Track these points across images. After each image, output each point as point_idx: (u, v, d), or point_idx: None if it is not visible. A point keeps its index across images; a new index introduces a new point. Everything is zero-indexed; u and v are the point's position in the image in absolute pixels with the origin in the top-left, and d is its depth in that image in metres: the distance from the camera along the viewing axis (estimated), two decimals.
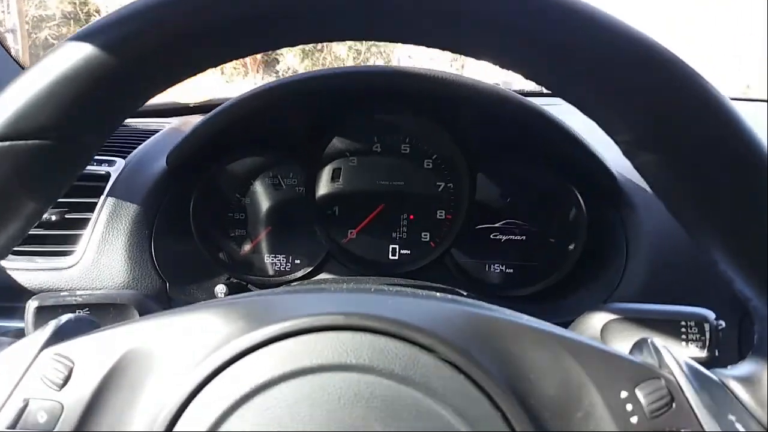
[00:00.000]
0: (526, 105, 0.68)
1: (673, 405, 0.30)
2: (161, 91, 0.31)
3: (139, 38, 0.28)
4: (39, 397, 0.31)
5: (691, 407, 0.30)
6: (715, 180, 0.29)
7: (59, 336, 0.34)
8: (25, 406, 0.31)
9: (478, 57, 0.30)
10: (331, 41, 0.32)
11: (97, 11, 8.09)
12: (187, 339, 0.33)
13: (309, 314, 0.31)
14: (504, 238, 0.79)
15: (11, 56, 0.88)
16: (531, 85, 1.17)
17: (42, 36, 7.75)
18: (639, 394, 0.30)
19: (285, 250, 0.81)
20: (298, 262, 0.81)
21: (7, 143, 0.28)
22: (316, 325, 0.30)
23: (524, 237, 0.79)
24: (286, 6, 0.28)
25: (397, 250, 0.81)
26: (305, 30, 0.30)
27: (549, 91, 0.94)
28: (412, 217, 0.81)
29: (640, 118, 0.29)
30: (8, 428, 0.31)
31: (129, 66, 0.28)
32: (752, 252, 0.30)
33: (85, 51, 0.28)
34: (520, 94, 0.69)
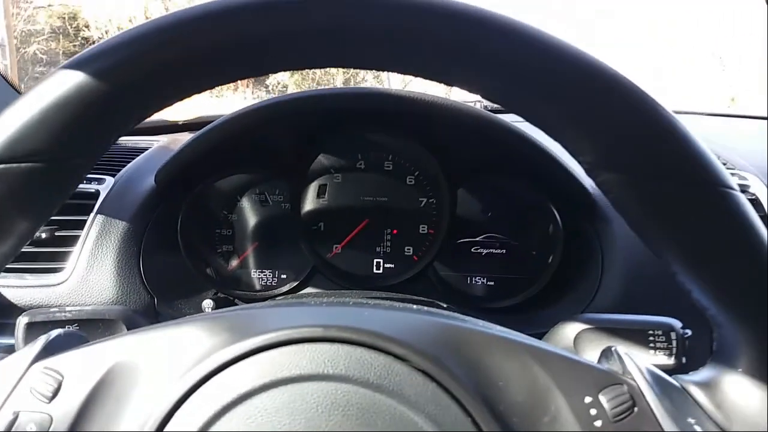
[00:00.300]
0: (505, 125, 0.70)
1: (635, 409, 0.31)
2: (149, 116, 0.33)
3: (127, 67, 0.29)
4: (29, 410, 0.32)
5: (652, 411, 0.31)
6: (669, 197, 0.30)
7: (49, 351, 0.35)
8: (15, 418, 0.32)
9: (446, 83, 0.32)
10: (313, 68, 0.34)
11: (87, 26, 8.07)
12: (172, 352, 0.34)
13: (289, 327, 0.32)
14: (485, 251, 0.81)
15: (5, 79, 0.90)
16: None
17: (31, 51, 7.71)
18: (602, 399, 0.31)
19: (271, 265, 0.83)
20: (284, 276, 0.83)
21: (2, 166, 0.29)
22: (296, 337, 0.32)
23: (504, 250, 0.81)
24: (262, 36, 0.29)
25: (381, 264, 0.83)
26: (287, 58, 0.31)
27: None
28: (395, 231, 0.83)
29: (598, 142, 0.31)
30: None
31: (118, 93, 0.30)
32: (706, 264, 0.31)
33: (75, 79, 0.29)
34: (499, 114, 0.72)
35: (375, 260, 0.83)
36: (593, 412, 0.31)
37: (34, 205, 0.32)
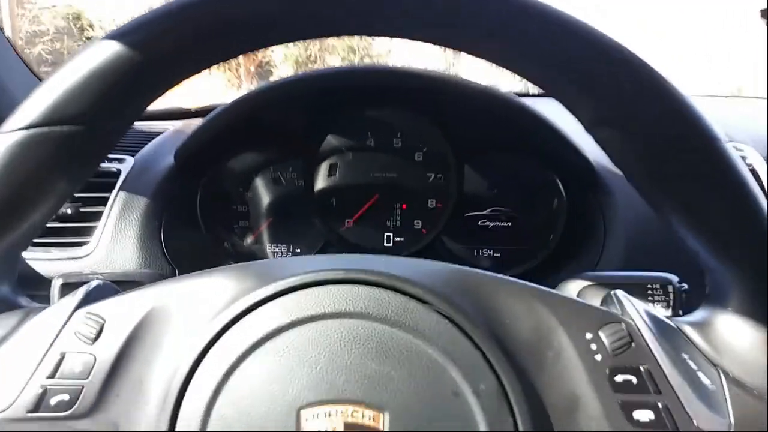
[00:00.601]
0: (510, 100, 0.73)
1: (633, 345, 0.33)
2: (175, 85, 0.35)
3: (156, 41, 0.32)
4: (74, 350, 0.35)
5: (648, 347, 0.33)
6: (663, 149, 0.32)
7: (90, 299, 0.37)
8: (62, 359, 0.34)
9: (466, 51, 0.34)
10: (323, 37, 0.35)
11: (91, 26, 8.11)
12: (206, 296, 0.36)
13: (312, 270, 0.35)
14: (491, 224, 0.84)
15: (27, 66, 0.93)
16: (515, 87, 1.22)
17: (36, 51, 7.75)
18: (602, 335, 0.34)
19: (286, 239, 0.86)
20: (298, 250, 0.86)
21: (46, 128, 0.32)
22: (319, 279, 0.34)
23: (510, 223, 0.83)
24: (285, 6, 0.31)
25: (392, 237, 0.86)
26: (307, 27, 0.33)
27: (532, 92, 1.00)
28: (405, 206, 0.85)
29: (596, 99, 0.33)
30: (48, 378, 0.34)
31: (147, 64, 0.32)
32: (698, 212, 0.33)
33: (111, 50, 0.31)
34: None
35: (385, 234, 0.86)
36: (593, 347, 0.33)
37: (74, 165, 0.35)
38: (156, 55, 0.32)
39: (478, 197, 0.84)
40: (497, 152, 0.83)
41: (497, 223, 0.84)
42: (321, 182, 0.85)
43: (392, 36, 0.34)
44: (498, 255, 0.84)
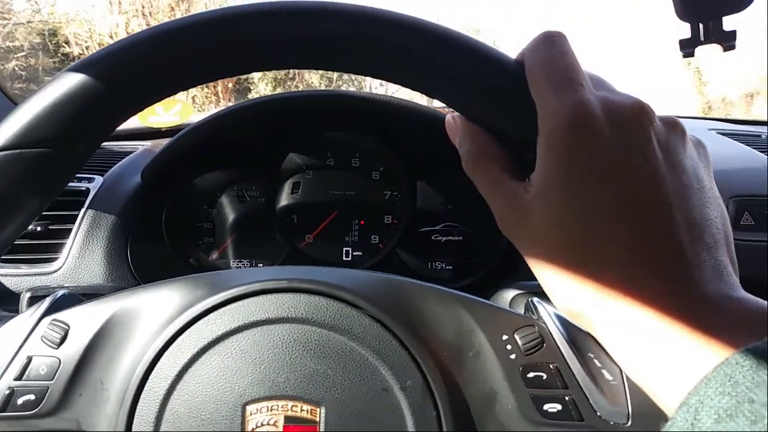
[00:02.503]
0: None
1: (544, 345, 0.37)
2: (142, 109, 0.37)
3: (123, 69, 0.33)
4: (40, 354, 0.37)
5: (558, 347, 0.37)
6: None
7: (55, 307, 0.40)
8: (29, 362, 0.37)
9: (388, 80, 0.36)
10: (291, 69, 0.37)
11: (66, 42, 8.02)
12: (162, 304, 0.39)
13: (258, 280, 0.38)
14: (444, 239, 0.89)
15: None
16: None
17: (10, 67, 7.62)
18: (516, 337, 0.37)
19: (249, 254, 0.89)
20: (260, 265, 0.89)
21: (17, 151, 0.34)
22: (264, 288, 0.38)
23: (461, 237, 0.88)
24: (248, 38, 0.33)
25: (350, 252, 0.90)
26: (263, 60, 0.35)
27: None
28: (362, 222, 0.90)
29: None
30: (15, 380, 0.37)
31: (114, 90, 0.34)
32: None
33: (79, 78, 0.33)
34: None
35: (344, 248, 0.90)
36: (509, 347, 0.37)
37: (43, 185, 0.37)
38: (121, 82, 0.34)
39: (432, 213, 0.89)
40: (448, 170, 0.87)
41: (449, 237, 0.88)
42: (283, 200, 0.89)
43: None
44: (450, 267, 0.89)
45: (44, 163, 0.35)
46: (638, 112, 0.29)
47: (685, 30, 0.49)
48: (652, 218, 0.27)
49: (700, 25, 0.48)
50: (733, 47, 0.48)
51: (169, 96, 0.37)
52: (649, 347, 0.26)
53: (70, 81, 0.33)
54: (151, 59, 0.33)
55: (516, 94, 0.31)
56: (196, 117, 1.06)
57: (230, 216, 0.90)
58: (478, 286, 0.84)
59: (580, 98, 0.28)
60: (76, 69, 0.34)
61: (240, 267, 0.89)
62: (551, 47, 0.31)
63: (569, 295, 0.29)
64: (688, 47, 0.49)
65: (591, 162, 0.28)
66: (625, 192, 0.27)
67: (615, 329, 0.28)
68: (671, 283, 0.26)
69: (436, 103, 1.01)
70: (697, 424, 0.21)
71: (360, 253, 0.90)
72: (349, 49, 0.32)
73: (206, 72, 0.35)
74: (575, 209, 0.28)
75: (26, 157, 0.34)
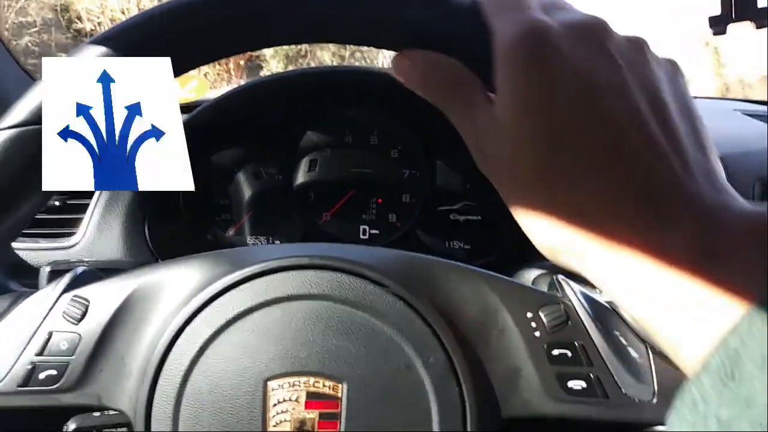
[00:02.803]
0: None
1: (569, 323, 0.37)
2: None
3: (144, 43, 0.33)
4: (61, 330, 0.38)
5: (583, 325, 0.37)
6: None
7: (76, 283, 0.40)
8: (50, 337, 0.38)
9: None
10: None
11: (79, 18, 8.00)
12: (183, 280, 0.39)
13: (280, 257, 0.38)
14: (462, 218, 0.88)
15: (16, 61, 0.95)
16: None
17: (23, 43, 7.65)
18: (541, 314, 0.37)
19: (265, 232, 0.89)
20: (277, 242, 0.89)
21: (38, 126, 0.34)
22: (286, 264, 0.38)
23: (480, 217, 0.87)
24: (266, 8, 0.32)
25: (367, 230, 0.89)
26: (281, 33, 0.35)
27: None
28: (380, 201, 0.89)
29: None
30: (36, 355, 0.37)
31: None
32: None
33: (101, 52, 0.33)
34: None
35: (361, 227, 0.89)
36: (533, 324, 0.37)
37: None
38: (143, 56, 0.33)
39: (450, 192, 0.88)
40: (467, 149, 0.87)
41: (468, 216, 0.88)
42: (300, 177, 0.89)
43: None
44: (468, 247, 0.88)
45: None
46: (596, 25, 0.27)
47: (714, 6, 0.47)
48: (627, 133, 0.24)
49: (732, 1, 0.46)
50: (766, 25, 0.46)
51: (190, 69, 0.37)
52: (649, 282, 0.23)
53: (92, 52, 0.33)
54: (172, 31, 0.33)
55: (473, 20, 0.30)
56: (211, 93, 1.05)
57: (247, 192, 0.89)
58: (496, 265, 0.83)
59: (532, 14, 0.27)
60: (97, 43, 0.33)
61: (256, 244, 0.89)
62: None
63: (548, 230, 0.26)
64: (718, 24, 0.47)
65: (549, 77, 0.25)
66: (592, 109, 0.25)
67: (605, 263, 0.25)
68: (664, 204, 0.23)
69: None
70: (738, 372, 0.18)
71: (377, 232, 0.89)
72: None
73: (228, 45, 0.35)
74: (540, 131, 0.26)
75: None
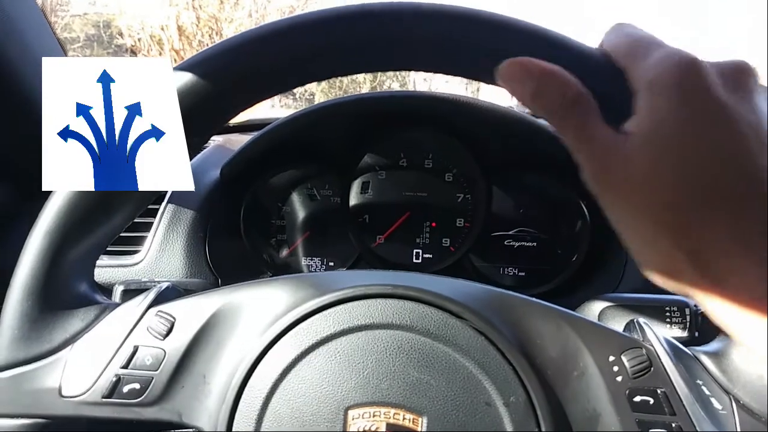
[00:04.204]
0: (535, 124, 0.76)
1: (652, 369, 0.36)
2: (253, 105, 0.37)
3: (231, 69, 0.34)
4: (146, 345, 0.38)
5: (666, 372, 0.36)
6: None
7: (161, 299, 0.41)
8: (135, 351, 0.38)
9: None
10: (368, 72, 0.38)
11: (120, 33, 8.25)
12: (267, 302, 0.39)
13: (363, 284, 0.38)
14: (517, 244, 0.87)
15: None
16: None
17: None
18: (624, 359, 0.36)
19: (320, 253, 0.90)
20: (332, 264, 0.90)
21: None
22: (369, 293, 0.38)
23: (535, 243, 0.87)
24: (337, 45, 0.33)
25: (421, 254, 0.89)
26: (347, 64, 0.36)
27: None
28: (434, 224, 0.89)
29: None
30: (122, 368, 0.38)
31: (222, 90, 0.35)
32: None
33: (189, 77, 0.34)
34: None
35: (415, 250, 0.89)
36: (615, 368, 0.36)
37: None
38: (227, 83, 0.34)
39: (505, 217, 0.87)
40: (523, 174, 0.86)
41: (522, 243, 0.87)
42: (355, 199, 0.89)
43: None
44: (522, 274, 0.87)
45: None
46: (744, 70, 0.28)
47: None
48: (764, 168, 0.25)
49: None
50: None
51: (277, 94, 0.37)
52: None
53: (184, 78, 0.34)
54: (265, 58, 0.33)
55: (603, 64, 0.30)
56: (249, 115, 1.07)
57: (302, 214, 0.90)
58: (552, 294, 0.83)
59: (679, 49, 0.27)
60: (193, 64, 0.34)
61: (311, 265, 0.90)
62: (625, 26, 0.31)
63: (668, 251, 0.27)
64: None
65: (703, 105, 0.26)
66: (738, 151, 0.25)
67: (724, 292, 0.25)
68: None
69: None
70: None
71: (430, 256, 0.89)
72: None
73: (317, 72, 0.35)
74: (686, 152, 0.26)
75: None
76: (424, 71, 0.35)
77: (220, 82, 0.34)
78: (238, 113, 0.38)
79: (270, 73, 0.34)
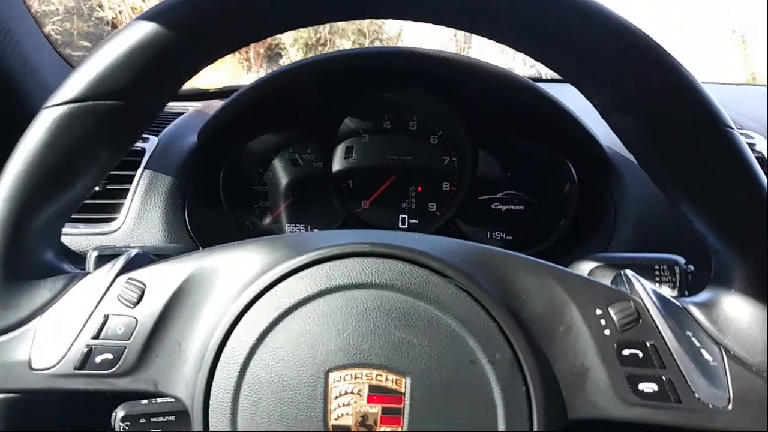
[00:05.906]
0: (525, 84, 0.74)
1: (640, 321, 0.35)
2: (212, 62, 0.37)
3: (190, 20, 0.33)
4: (117, 313, 0.37)
5: (655, 324, 0.35)
6: (675, 135, 0.34)
7: (131, 266, 0.39)
8: (106, 321, 0.37)
9: (490, 38, 0.35)
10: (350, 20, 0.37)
11: (101, 6, 8.05)
12: (240, 265, 0.38)
13: (340, 244, 0.37)
14: (504, 207, 0.86)
15: (50, 43, 0.95)
16: (527, 72, 1.23)
17: (46, 31, 7.71)
18: (611, 311, 0.36)
19: (304, 219, 0.88)
20: (315, 230, 0.88)
21: (90, 103, 0.34)
22: (347, 252, 0.36)
23: (522, 207, 0.85)
24: None
25: (406, 219, 0.88)
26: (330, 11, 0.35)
27: (545, 78, 0.99)
28: (420, 189, 0.87)
29: (612, 86, 0.34)
30: (93, 338, 0.36)
31: (183, 42, 0.33)
32: (706, 196, 0.35)
33: (149, 28, 0.33)
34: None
35: (400, 215, 0.88)
36: (603, 322, 0.35)
37: (116, 137, 0.37)
38: (189, 34, 0.33)
39: (492, 181, 0.86)
40: (511, 136, 0.85)
41: (510, 206, 0.86)
42: (338, 164, 0.87)
43: (425, 22, 0.35)
44: (510, 238, 0.86)
45: (117, 115, 0.35)
46: None
47: None
48: None
49: None
50: None
51: (239, 48, 0.36)
52: None
53: (141, 31, 0.33)
54: (224, 7, 0.32)
55: None
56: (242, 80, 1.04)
57: (285, 180, 0.88)
58: (540, 257, 0.81)
59: None
60: (147, 18, 0.33)
61: (295, 231, 0.88)
62: None
63: None
64: None
65: None
66: None
67: None
68: None
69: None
70: None
71: (416, 221, 0.88)
72: None
73: (283, 21, 0.34)
74: None
75: (98, 110, 0.34)
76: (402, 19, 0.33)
77: (184, 33, 0.33)
78: (204, 66, 0.36)
79: (238, 13, 0.33)
